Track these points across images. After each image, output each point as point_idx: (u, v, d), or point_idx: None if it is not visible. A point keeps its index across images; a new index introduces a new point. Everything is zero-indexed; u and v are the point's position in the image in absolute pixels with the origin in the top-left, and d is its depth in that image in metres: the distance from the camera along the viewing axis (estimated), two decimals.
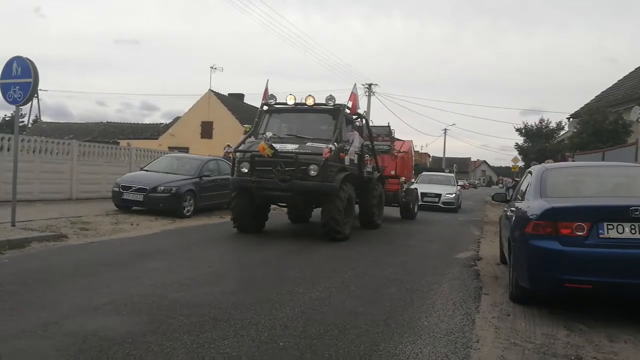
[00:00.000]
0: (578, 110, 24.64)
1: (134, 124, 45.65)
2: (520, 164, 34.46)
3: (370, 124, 14.34)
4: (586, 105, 24.18)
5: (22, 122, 41.05)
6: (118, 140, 35.97)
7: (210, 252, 8.02)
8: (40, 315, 4.18)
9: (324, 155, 8.75)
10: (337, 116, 9.94)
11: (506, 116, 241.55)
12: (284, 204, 10.96)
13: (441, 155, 71.47)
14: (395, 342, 3.92)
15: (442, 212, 18.39)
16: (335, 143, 9.16)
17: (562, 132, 35.18)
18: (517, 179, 30.42)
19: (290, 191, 9.05)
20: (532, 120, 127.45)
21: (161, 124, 44.49)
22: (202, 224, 11.47)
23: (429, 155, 76.58)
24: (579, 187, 5.66)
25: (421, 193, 18.14)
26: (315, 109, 10.17)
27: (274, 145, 8.94)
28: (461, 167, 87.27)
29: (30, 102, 8.10)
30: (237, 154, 9.79)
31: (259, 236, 9.77)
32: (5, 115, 51.00)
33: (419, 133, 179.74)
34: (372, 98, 37.50)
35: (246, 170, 9.31)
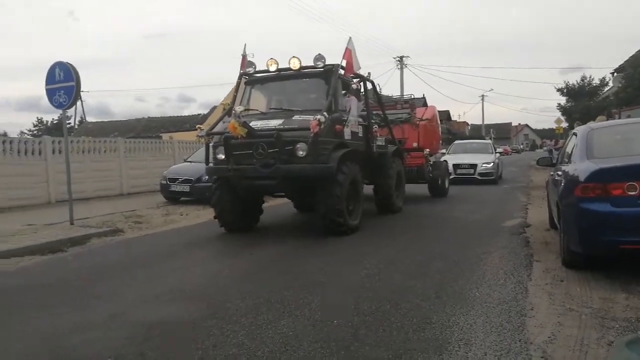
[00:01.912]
0: (622, 64, 23.50)
1: (174, 117, 46.59)
2: (564, 124, 33.28)
3: (390, 96, 13.51)
4: (631, 57, 23.00)
5: (69, 124, 42.69)
6: (160, 135, 36.87)
7: (254, 238, 7.90)
8: (107, 307, 4.44)
9: (312, 130, 6.84)
10: (330, 80, 7.99)
11: (545, 76, 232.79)
12: (275, 194, 9.34)
13: (480, 123, 69.84)
14: (448, 314, 3.96)
15: (480, 185, 16.40)
16: (325, 113, 7.20)
17: (606, 89, 33.70)
18: (554, 141, 29.43)
19: (275, 178, 7.30)
20: (574, 79, 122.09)
21: (199, 114, 45.24)
22: None
23: (467, 124, 74.91)
24: (628, 145, 5.45)
25: (453, 165, 16.68)
26: (303, 73, 8.31)
27: (253, 123, 7.37)
28: (502, 132, 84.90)
29: (75, 105, 8.50)
30: (213, 137, 8.11)
31: (287, 223, 9.74)
32: (53, 119, 52.91)
33: (456, 102, 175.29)
34: (405, 70, 36.86)
35: (223, 157, 7.70)
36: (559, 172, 5.95)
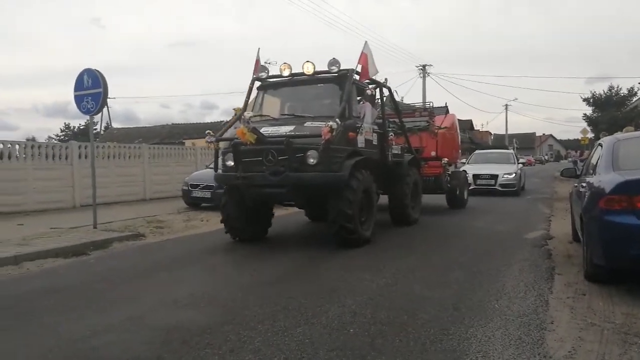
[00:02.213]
0: None
1: (197, 123, 47.09)
2: (590, 135, 32.67)
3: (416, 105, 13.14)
4: None
5: (95, 129, 43.50)
6: (183, 141, 37.33)
7: (269, 247, 7.81)
8: (127, 310, 4.51)
9: (323, 137, 6.63)
10: (344, 85, 7.78)
11: (571, 86, 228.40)
12: (285, 204, 8.93)
13: (503, 133, 69.01)
14: (466, 325, 3.91)
15: (501, 197, 15.84)
16: (337, 120, 6.88)
17: (634, 99, 32.98)
18: (579, 152, 28.80)
19: (284, 186, 7.04)
20: (600, 88, 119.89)
21: (221, 121, 45.70)
22: None
23: (490, 134, 74.10)
24: None
25: (473, 175, 16.40)
26: (317, 79, 8.09)
27: (264, 129, 7.21)
28: (526, 142, 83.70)
29: (102, 111, 8.71)
30: (221, 143, 7.96)
31: (300, 233, 9.58)
32: (80, 124, 54.19)
33: (479, 111, 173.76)
34: (427, 79, 36.72)
35: (232, 163, 7.52)
36: (583, 184, 5.85)
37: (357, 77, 8.00)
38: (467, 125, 63.34)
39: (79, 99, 9.24)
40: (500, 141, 67.24)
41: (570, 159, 35.21)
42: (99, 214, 9.46)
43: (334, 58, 7.77)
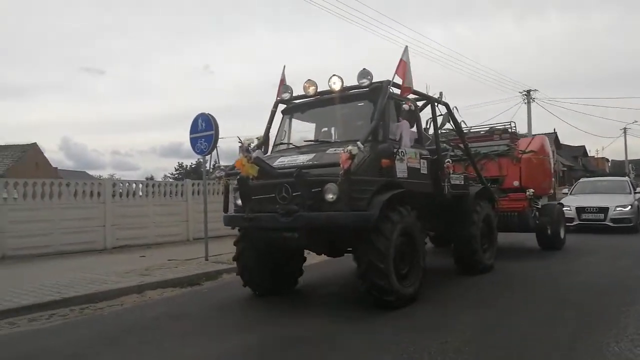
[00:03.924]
0: None
1: None
2: None
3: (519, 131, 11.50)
4: None
5: (205, 167, 46.73)
6: None
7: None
8: (239, 338, 4.81)
9: (342, 166, 5.20)
10: (377, 100, 6.24)
11: None
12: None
13: (622, 159, 63.29)
14: None
15: (613, 234, 13.07)
16: (359, 143, 5.43)
17: None
18: None
19: (296, 230, 5.70)
20: None
21: None
22: None
23: (607, 160, 68.29)
24: None
25: (577, 208, 14.08)
26: (347, 95, 6.63)
27: (280, 160, 6.14)
28: None
29: (213, 151, 9.47)
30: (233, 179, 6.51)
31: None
32: (191, 163, 58.37)
33: (592, 136, 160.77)
34: (532, 105, 35.05)
35: (240, 202, 6.33)
36: None
37: (396, 91, 6.49)
38: (579, 152, 59.11)
39: (194, 141, 10.09)
40: (619, 168, 61.61)
41: None
42: (210, 246, 10.12)
43: (364, 69, 6.35)
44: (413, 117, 6.62)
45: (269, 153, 6.80)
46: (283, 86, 7.12)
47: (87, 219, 12.21)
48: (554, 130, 49.95)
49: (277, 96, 7.21)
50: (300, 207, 5.54)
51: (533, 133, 35.11)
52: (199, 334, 5.04)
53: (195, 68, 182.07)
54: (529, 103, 34.51)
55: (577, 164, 56.85)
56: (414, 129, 6.80)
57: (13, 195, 11.18)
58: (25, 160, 34.63)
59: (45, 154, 39.82)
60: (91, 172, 59.83)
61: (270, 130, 7.14)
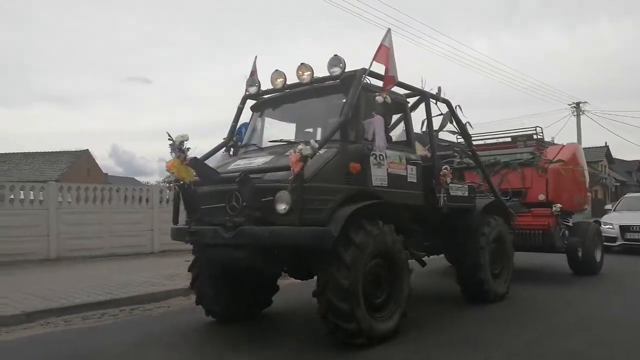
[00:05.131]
0: None
1: None
2: None
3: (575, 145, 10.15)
4: None
5: None
6: None
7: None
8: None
9: (292, 170, 4.28)
10: (348, 92, 5.09)
11: None
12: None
13: None
14: None
15: None
16: (313, 141, 4.52)
17: None
18: None
19: (241, 247, 4.64)
20: None
21: None
22: None
23: None
24: None
25: (621, 227, 12.79)
26: (318, 88, 5.57)
27: (236, 163, 5.28)
28: None
29: None
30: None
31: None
32: None
33: None
34: (582, 117, 33.91)
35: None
36: None
37: (373, 82, 5.40)
38: (633, 166, 56.65)
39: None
40: None
41: None
42: None
43: (335, 55, 5.31)
44: (389, 112, 5.46)
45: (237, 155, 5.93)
46: (249, 79, 6.09)
47: (136, 223, 12.66)
48: (606, 143, 48.22)
49: (247, 91, 6.20)
50: (247, 220, 4.58)
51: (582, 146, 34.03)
52: (243, 340, 5.10)
53: (242, 76, 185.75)
54: (578, 115, 33.50)
55: (631, 179, 54.47)
56: (403, 129, 5.94)
57: (67, 199, 11.71)
58: (78, 166, 36.14)
59: (97, 161, 41.41)
60: (139, 179, 61.86)
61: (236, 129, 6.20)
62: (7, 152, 36.97)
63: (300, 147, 4.29)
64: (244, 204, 4.63)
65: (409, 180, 5.58)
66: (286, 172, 4.37)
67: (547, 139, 10.21)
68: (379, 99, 5.07)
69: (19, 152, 37.17)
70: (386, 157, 5.21)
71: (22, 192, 11.09)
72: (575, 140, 31.38)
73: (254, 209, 4.51)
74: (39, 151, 37.06)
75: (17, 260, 10.28)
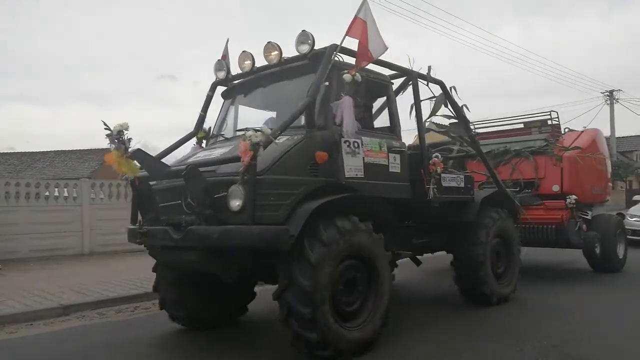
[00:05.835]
0: None
1: None
2: None
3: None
4: None
5: None
6: None
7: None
8: None
9: (242, 160, 3.76)
10: (316, 71, 4.53)
11: None
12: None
13: None
14: None
15: None
16: (265, 126, 3.95)
17: None
18: None
19: (191, 249, 4.14)
20: None
21: None
22: None
23: None
24: None
25: None
26: (287, 70, 4.92)
27: (201, 154, 4.86)
28: None
29: None
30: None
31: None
32: None
33: None
34: (616, 106, 32.96)
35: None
36: None
37: (345, 59, 4.77)
38: None
39: None
40: None
41: None
42: None
43: (303, 31, 4.67)
44: (363, 93, 4.68)
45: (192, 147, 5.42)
46: (216, 62, 5.49)
47: None
48: None
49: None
50: (198, 219, 4.02)
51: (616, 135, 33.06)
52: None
53: None
54: (611, 104, 32.58)
55: None
56: (386, 112, 5.26)
57: (99, 195, 12.02)
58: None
59: None
60: None
61: (206, 119, 5.60)
62: (41, 150, 37.94)
63: (249, 133, 3.75)
64: (189, 201, 4.17)
65: (391, 170, 4.91)
66: (238, 163, 3.83)
67: (538, 117, 9.01)
68: (347, 77, 4.39)
69: (52, 150, 38.15)
70: (362, 144, 4.57)
71: (56, 189, 11.43)
72: (608, 130, 30.58)
73: (205, 206, 3.95)
74: (70, 149, 38.01)
75: (54, 255, 10.67)
